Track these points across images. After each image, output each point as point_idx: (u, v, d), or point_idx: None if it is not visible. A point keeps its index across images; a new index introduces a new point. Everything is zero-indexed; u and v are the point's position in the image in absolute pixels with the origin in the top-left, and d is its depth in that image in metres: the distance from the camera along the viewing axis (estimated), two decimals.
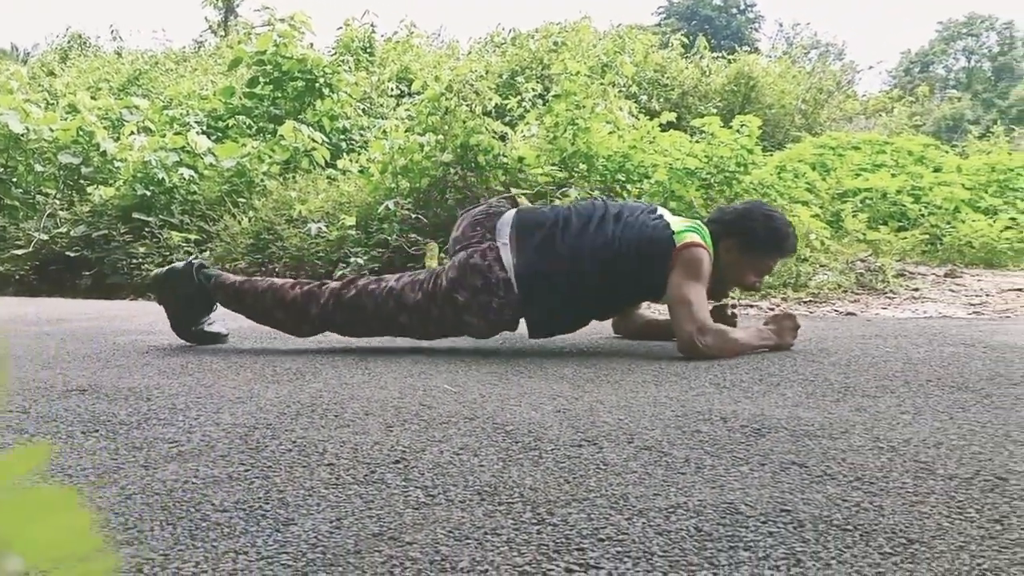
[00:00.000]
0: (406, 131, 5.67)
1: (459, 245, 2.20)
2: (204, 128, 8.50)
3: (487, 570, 0.77)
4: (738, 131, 5.39)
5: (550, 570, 0.77)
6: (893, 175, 6.27)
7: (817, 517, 0.90)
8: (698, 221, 2.31)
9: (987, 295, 4.06)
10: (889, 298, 4.04)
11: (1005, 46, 43.52)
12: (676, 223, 2.22)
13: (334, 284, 2.26)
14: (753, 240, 2.25)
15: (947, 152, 7.59)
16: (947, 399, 1.51)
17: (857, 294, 4.15)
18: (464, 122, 4.97)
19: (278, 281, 2.34)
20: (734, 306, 2.58)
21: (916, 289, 4.22)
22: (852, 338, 2.40)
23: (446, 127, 4.99)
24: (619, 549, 0.82)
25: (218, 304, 2.38)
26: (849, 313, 3.62)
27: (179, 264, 2.39)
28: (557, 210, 2.28)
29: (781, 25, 42.70)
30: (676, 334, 2.11)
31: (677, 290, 2.11)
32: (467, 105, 5.12)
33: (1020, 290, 4.18)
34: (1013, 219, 5.71)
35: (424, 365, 1.95)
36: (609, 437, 1.25)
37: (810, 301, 4.03)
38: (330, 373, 1.85)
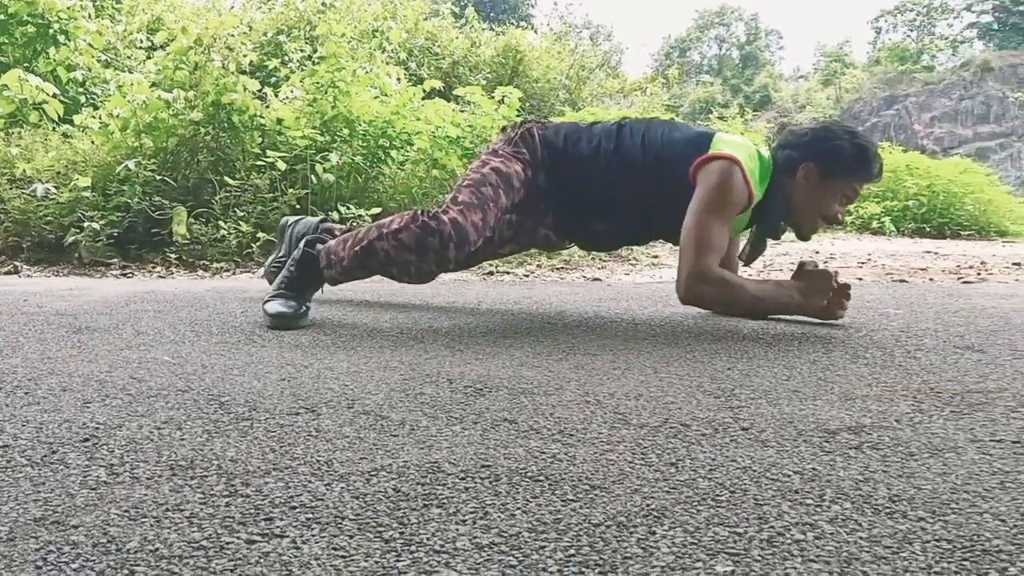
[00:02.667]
0: (152, 85, 5.24)
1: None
2: None
3: (158, 548, 0.72)
4: (501, 102, 5.52)
5: (229, 543, 0.74)
6: None
7: (514, 470, 0.94)
8: (757, 148, 2.03)
9: None
10: (632, 265, 4.34)
11: (751, 36, 47.94)
12: (726, 137, 1.99)
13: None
14: (840, 159, 1.96)
15: None
16: (656, 355, 1.64)
17: (604, 261, 4.41)
18: (217, 80, 4.67)
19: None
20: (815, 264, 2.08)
21: (656, 256, 4.56)
22: (589, 301, 2.54)
23: (196, 84, 4.67)
24: (309, 516, 0.80)
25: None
26: (596, 279, 3.84)
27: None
28: (592, 125, 2.13)
29: (556, 4, 44.16)
30: (677, 272, 1.94)
31: (689, 220, 1.89)
32: (221, 61, 4.81)
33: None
34: None
35: (146, 337, 1.82)
36: (330, 404, 1.23)
37: (562, 268, 4.22)
38: (33, 347, 1.67)
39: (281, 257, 2.40)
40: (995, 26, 36.91)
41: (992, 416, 1.18)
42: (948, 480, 0.91)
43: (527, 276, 3.93)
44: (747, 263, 2.14)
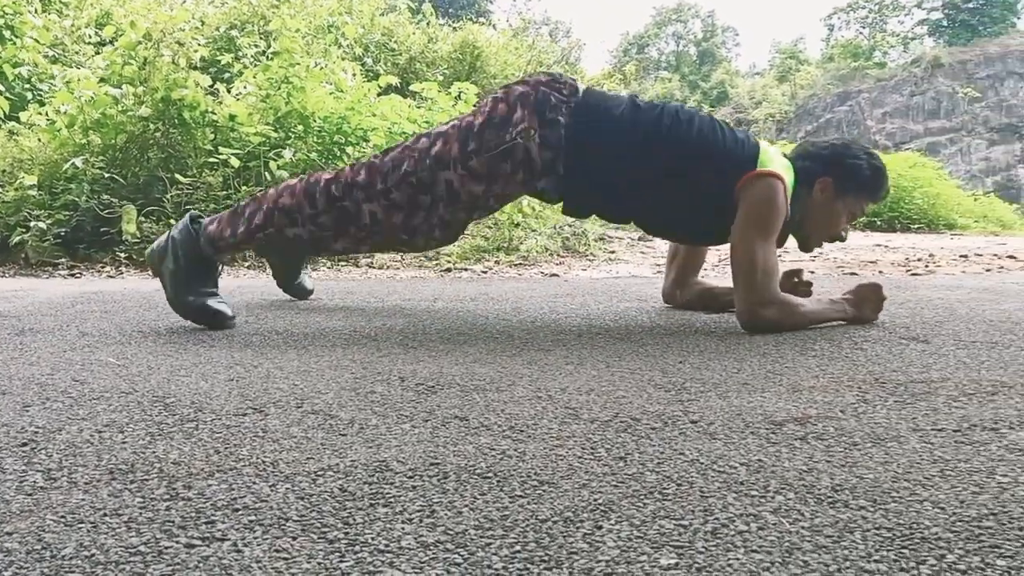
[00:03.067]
0: (101, 81, 5.12)
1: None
2: None
3: (94, 554, 0.70)
4: (458, 97, 5.50)
5: (167, 547, 0.72)
6: None
7: (462, 468, 0.93)
8: (790, 163, 2.01)
9: None
10: (589, 260, 4.35)
11: (708, 33, 48.42)
12: (769, 150, 1.96)
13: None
14: (857, 178, 1.99)
15: None
16: (609, 349, 1.64)
17: (562, 257, 4.43)
18: (166, 75, 4.58)
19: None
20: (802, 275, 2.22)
21: (613, 252, 4.59)
22: (545, 297, 2.54)
23: (145, 79, 4.57)
24: (253, 518, 0.79)
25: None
26: (553, 275, 3.85)
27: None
28: (636, 99, 1.98)
29: (515, 0, 44.15)
30: (736, 302, 1.89)
31: (743, 245, 1.85)
32: (171, 56, 4.72)
33: None
34: None
35: (91, 338, 1.78)
36: (278, 404, 1.21)
37: (520, 264, 4.23)
38: None
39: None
40: (945, 23, 37.76)
41: (934, 405, 1.20)
42: (890, 469, 0.92)
43: (485, 273, 3.92)
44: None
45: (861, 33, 41.66)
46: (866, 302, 1.98)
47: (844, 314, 1.97)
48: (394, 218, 1.91)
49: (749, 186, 1.87)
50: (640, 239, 5.13)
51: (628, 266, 4.14)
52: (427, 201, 1.90)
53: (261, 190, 4.32)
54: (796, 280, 2.16)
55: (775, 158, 1.94)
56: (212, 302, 1.95)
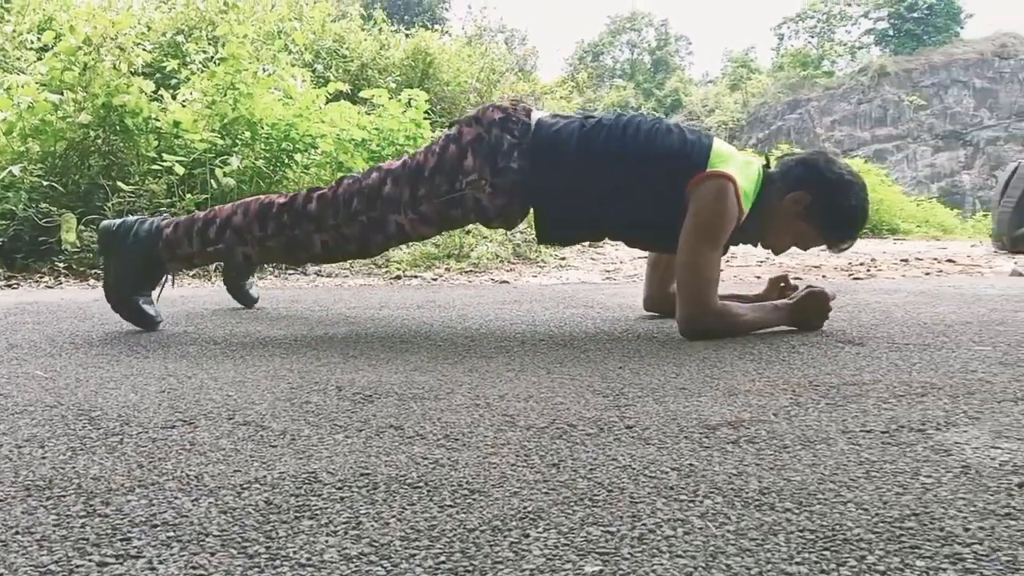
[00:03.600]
0: (42, 87, 4.99)
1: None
2: None
3: (2, 574, 0.68)
4: (408, 104, 5.48)
5: (80, 565, 0.70)
6: None
7: (393, 478, 0.92)
8: (757, 163, 1.97)
9: (620, 262, 4.54)
10: (540, 267, 4.36)
11: (662, 41, 48.93)
12: (723, 149, 1.91)
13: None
14: (833, 215, 1.92)
15: None
16: (551, 355, 1.64)
17: (513, 264, 4.43)
18: (108, 81, 4.49)
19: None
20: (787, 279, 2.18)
21: (563, 258, 4.60)
22: (493, 304, 2.54)
23: (85, 85, 4.47)
24: (171, 534, 0.77)
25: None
26: (503, 281, 3.84)
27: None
28: (586, 116, 1.97)
29: (470, 7, 44.25)
30: (677, 307, 1.87)
31: (686, 253, 1.83)
32: (112, 62, 4.62)
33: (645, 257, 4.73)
34: None
35: (20, 350, 1.72)
36: (209, 415, 1.18)
37: (471, 271, 4.22)
38: None
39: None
40: (891, 32, 38.71)
41: (864, 407, 1.22)
42: (817, 471, 0.93)
43: (435, 280, 3.91)
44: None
45: (810, 42, 42.52)
46: (810, 310, 1.96)
47: (786, 321, 1.96)
48: (347, 246, 1.96)
49: (698, 187, 1.84)
50: (589, 245, 5.16)
51: (579, 272, 4.16)
52: (379, 239, 1.94)
53: (210, 206, 4.26)
54: (783, 286, 2.14)
55: (730, 158, 1.90)
56: (143, 303, 1.98)
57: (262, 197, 2.00)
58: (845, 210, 1.92)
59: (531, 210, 1.96)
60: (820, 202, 1.90)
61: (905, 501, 0.84)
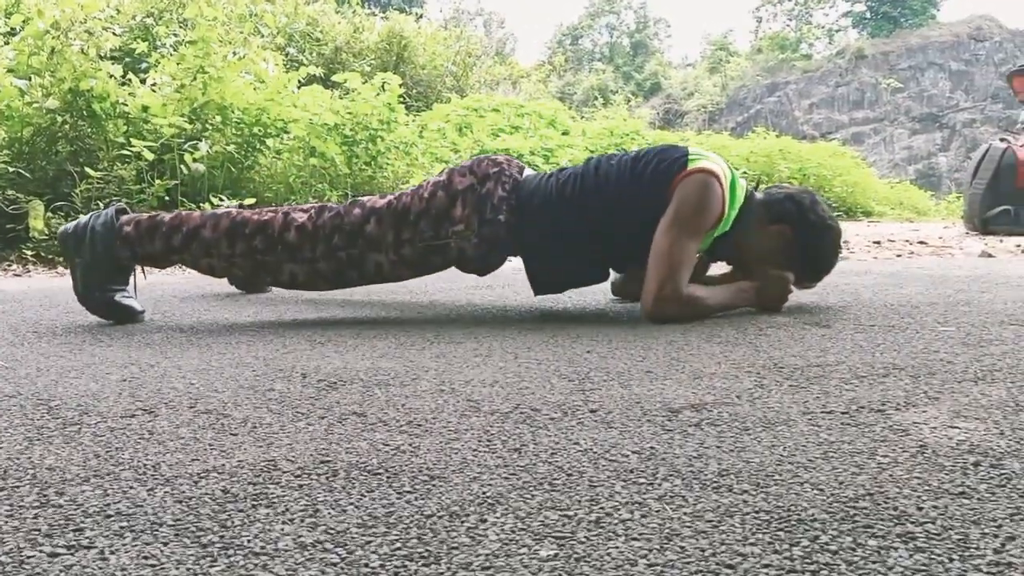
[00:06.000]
0: (9, 71, 4.91)
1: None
2: None
3: None
4: (381, 88, 5.43)
5: (30, 557, 0.69)
6: (528, 137, 6.77)
7: (353, 464, 0.91)
8: (744, 182, 1.99)
9: None
10: None
11: (640, 24, 48.78)
12: (700, 152, 1.93)
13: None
14: (808, 253, 1.99)
15: (574, 118, 8.41)
16: (519, 341, 1.64)
17: None
18: (75, 66, 4.41)
19: None
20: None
21: None
22: (464, 289, 2.53)
23: (52, 70, 4.39)
24: (124, 524, 0.76)
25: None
26: None
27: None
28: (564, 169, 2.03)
29: None
30: (643, 291, 1.87)
31: (663, 237, 1.83)
32: (80, 46, 4.55)
33: None
34: None
35: None
36: (170, 404, 1.17)
37: None
38: None
39: None
40: (868, 15, 38.85)
41: (826, 388, 1.23)
42: (775, 452, 0.94)
43: None
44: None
45: (788, 25, 42.58)
46: (771, 292, 1.98)
47: (750, 302, 1.98)
48: (318, 281, 1.96)
49: (683, 183, 1.85)
50: None
51: None
52: (354, 275, 1.95)
53: (180, 192, 4.21)
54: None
55: (710, 156, 1.92)
56: (120, 297, 1.91)
57: (233, 212, 1.95)
58: (820, 251, 2.01)
59: (508, 259, 2.02)
60: (799, 240, 1.96)
61: (860, 481, 0.85)
